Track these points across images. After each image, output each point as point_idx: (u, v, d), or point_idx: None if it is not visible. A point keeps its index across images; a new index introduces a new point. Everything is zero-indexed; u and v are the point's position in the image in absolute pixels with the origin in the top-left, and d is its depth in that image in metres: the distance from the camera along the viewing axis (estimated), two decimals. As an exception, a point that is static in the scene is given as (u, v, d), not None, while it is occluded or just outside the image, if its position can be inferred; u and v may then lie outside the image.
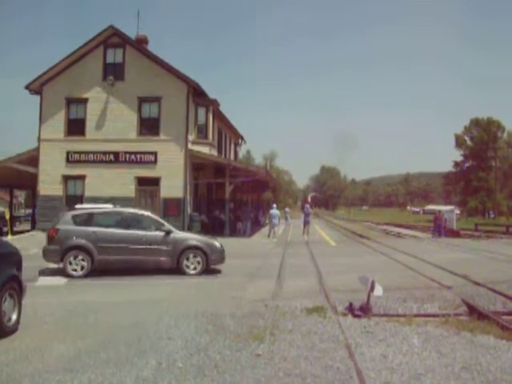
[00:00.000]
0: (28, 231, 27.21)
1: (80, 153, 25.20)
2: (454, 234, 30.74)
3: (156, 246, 12.36)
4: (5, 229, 24.62)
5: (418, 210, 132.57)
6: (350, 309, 7.66)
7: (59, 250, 12.08)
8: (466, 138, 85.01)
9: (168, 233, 12.53)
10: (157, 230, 12.56)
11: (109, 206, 13.68)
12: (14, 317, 6.51)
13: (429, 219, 55.97)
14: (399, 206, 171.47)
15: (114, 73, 25.22)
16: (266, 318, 7.21)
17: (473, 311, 7.64)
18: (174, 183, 24.49)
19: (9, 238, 20.86)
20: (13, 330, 6.43)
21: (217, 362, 5.22)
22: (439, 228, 29.79)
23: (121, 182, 24.72)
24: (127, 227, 12.47)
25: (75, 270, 12.02)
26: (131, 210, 13.38)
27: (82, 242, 12.09)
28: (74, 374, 4.87)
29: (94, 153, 25.12)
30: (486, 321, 6.98)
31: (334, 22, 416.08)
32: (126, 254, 12.22)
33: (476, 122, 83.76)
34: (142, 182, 25.01)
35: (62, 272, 12.22)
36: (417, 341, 6.05)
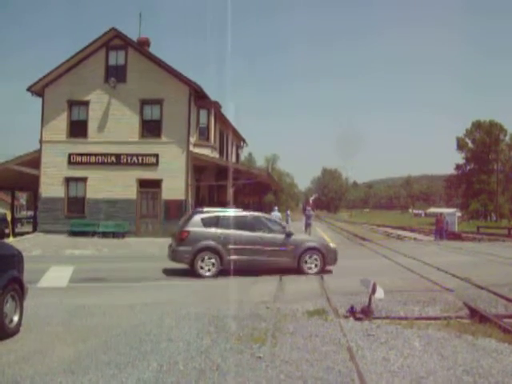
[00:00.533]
0: (30, 233, 27.26)
1: (82, 155, 25.24)
2: (456, 236, 30.67)
3: (279, 248, 12.95)
4: (6, 231, 24.66)
5: (419, 212, 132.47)
6: (352, 311, 7.65)
7: (190, 251, 12.50)
8: (468, 141, 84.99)
9: (289, 235, 13.17)
10: (278, 232, 13.21)
11: (234, 210, 14.44)
12: (16, 318, 6.50)
13: (431, 222, 55.86)
14: (401, 209, 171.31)
15: (115, 75, 25.29)
16: (267, 320, 7.20)
17: (474, 314, 7.63)
18: (175, 185, 24.53)
19: (10, 240, 20.88)
20: (14, 331, 6.41)
21: (218, 364, 5.22)
22: (441, 231, 29.72)
23: (122, 183, 24.77)
24: (251, 230, 13.02)
25: (209, 271, 12.51)
26: (255, 214, 14.14)
27: (212, 243, 12.59)
28: (75, 376, 4.87)
29: (95, 155, 25.17)
30: (487, 324, 6.97)
31: (335, 27, 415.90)
32: (251, 255, 12.74)
33: (478, 125, 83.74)
34: (143, 184, 25.05)
35: (191, 272, 12.61)
36: (418, 344, 6.04)
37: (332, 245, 13.83)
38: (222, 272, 12.53)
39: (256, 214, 14.26)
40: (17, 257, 6.95)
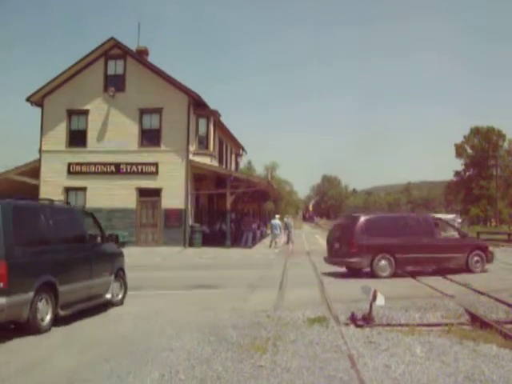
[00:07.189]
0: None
1: (81, 164, 25.27)
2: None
3: None
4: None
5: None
6: (353, 319, 7.64)
7: None
8: (467, 147, 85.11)
9: None
10: None
11: None
12: (120, 296, 9.63)
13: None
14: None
15: (114, 84, 25.36)
16: (268, 328, 7.19)
17: (475, 320, 7.62)
18: (175, 194, 24.52)
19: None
20: (118, 304, 9.40)
21: (219, 373, 5.21)
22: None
23: (122, 193, 24.74)
24: None
25: None
26: None
27: None
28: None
29: (95, 164, 25.19)
30: (488, 330, 6.96)
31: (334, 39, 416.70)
32: None
33: (476, 131, 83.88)
34: (143, 193, 25.05)
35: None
36: (419, 350, 6.03)
37: None
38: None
39: None
40: (122, 254, 10.14)
